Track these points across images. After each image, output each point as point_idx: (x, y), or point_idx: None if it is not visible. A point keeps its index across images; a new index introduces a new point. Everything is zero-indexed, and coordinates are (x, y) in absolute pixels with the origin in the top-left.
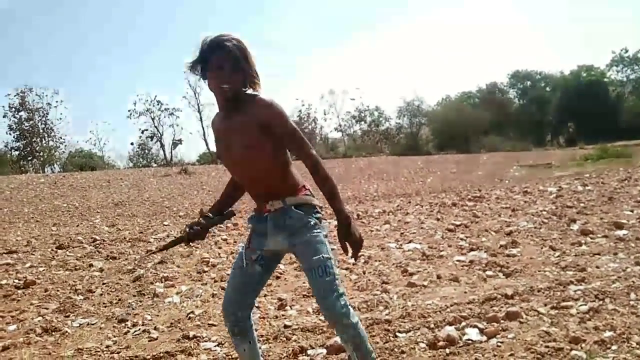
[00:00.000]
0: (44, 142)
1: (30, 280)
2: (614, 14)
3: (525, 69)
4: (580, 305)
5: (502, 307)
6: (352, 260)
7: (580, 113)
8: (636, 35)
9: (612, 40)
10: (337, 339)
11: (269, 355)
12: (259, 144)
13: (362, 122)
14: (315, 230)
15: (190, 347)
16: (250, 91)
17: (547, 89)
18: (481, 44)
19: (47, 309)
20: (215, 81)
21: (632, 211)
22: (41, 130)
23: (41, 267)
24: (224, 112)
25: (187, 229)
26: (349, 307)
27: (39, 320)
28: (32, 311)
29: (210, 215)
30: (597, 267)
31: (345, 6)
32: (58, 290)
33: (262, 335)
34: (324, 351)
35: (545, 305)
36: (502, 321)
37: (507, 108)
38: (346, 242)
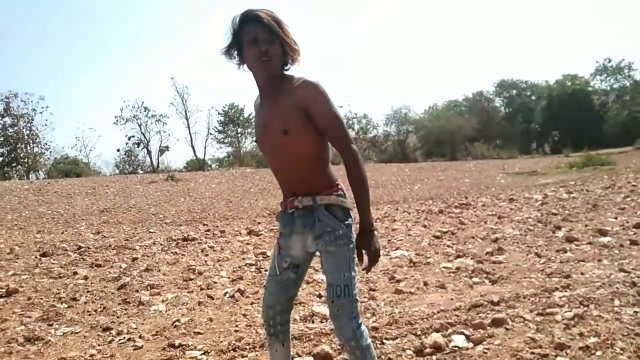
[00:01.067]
0: (28, 148)
1: (13, 289)
2: (598, 24)
3: (511, 78)
4: (565, 311)
5: (488, 313)
6: (364, 272)
7: (565, 121)
8: (619, 45)
9: (597, 50)
10: (324, 346)
11: None
12: (299, 129)
13: (350, 130)
14: (344, 241)
15: (176, 355)
16: (292, 67)
17: (533, 97)
18: (468, 53)
19: (29, 317)
20: (252, 56)
21: (616, 218)
22: (26, 137)
23: (24, 275)
24: (264, 93)
25: None
26: (362, 329)
27: (21, 329)
28: (14, 320)
29: None
30: (582, 273)
31: (332, 13)
32: (41, 299)
33: (248, 344)
34: (311, 359)
35: (531, 311)
36: (488, 328)
37: (493, 116)
38: (364, 252)
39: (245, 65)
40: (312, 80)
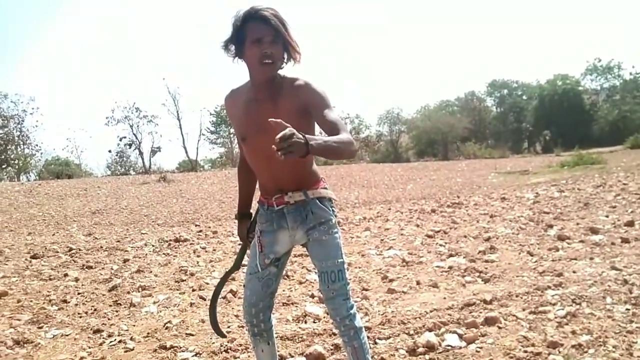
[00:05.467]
0: (19, 149)
1: (2, 291)
2: (589, 24)
3: (502, 78)
4: (558, 309)
5: (481, 312)
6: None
7: (556, 121)
8: (610, 46)
9: (587, 50)
10: (317, 346)
11: None
12: (306, 130)
13: None
14: (335, 230)
15: (167, 357)
16: (291, 64)
17: (524, 97)
18: (460, 53)
19: (19, 320)
20: (255, 57)
21: (607, 216)
22: (16, 138)
23: (14, 277)
24: (258, 91)
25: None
26: (356, 312)
27: (10, 332)
28: (3, 323)
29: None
30: (574, 271)
31: (324, 14)
32: (31, 301)
33: (240, 345)
34: (304, 359)
35: (524, 310)
36: (481, 326)
37: (485, 116)
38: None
39: (239, 60)
40: (311, 82)
